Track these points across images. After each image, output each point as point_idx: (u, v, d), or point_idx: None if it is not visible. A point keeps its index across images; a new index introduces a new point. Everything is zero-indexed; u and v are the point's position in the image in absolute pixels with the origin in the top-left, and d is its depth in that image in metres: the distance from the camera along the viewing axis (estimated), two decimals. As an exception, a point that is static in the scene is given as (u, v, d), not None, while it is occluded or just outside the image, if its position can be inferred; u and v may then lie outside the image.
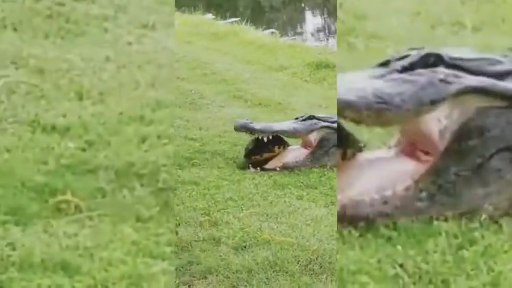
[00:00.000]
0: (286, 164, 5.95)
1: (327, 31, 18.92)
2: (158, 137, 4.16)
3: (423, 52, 3.34)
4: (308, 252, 4.10)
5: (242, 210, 4.80)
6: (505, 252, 3.15)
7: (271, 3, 23.03)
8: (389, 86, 3.13)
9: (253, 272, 3.87)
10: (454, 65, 3.31)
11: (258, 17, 19.74)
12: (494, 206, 3.34)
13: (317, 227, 4.54)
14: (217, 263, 3.95)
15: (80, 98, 4.47)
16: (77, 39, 5.30)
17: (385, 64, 3.44)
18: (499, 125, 3.27)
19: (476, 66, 3.34)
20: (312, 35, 18.17)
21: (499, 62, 3.39)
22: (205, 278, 3.81)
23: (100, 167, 3.87)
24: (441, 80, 3.20)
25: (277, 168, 5.89)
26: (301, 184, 5.50)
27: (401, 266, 3.03)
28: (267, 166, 5.91)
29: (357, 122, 3.07)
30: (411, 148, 3.54)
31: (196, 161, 5.77)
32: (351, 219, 3.22)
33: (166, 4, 5.86)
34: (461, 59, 3.35)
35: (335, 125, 6.01)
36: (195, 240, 4.16)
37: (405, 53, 3.43)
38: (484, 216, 3.34)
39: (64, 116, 4.27)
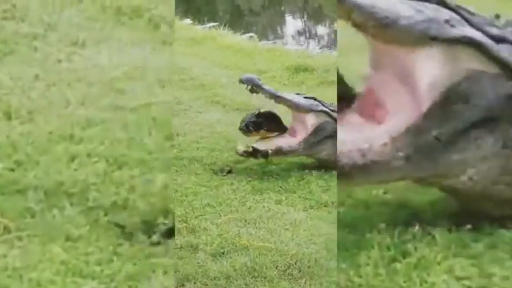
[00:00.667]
0: (279, 148, 5.87)
1: (307, 34, 18.97)
2: (88, 155, 4.14)
3: None
4: (287, 257, 4.09)
5: (220, 216, 4.78)
6: (438, 263, 3.17)
7: (251, 7, 23.04)
8: (400, 6, 3.08)
9: (231, 278, 3.86)
10: (457, 11, 3.28)
11: (237, 21, 19.72)
12: (468, 176, 3.31)
13: (296, 232, 4.53)
14: (195, 270, 3.93)
15: (9, 118, 4.42)
16: (6, 58, 5.24)
17: None
18: (485, 93, 3.23)
19: (477, 22, 3.30)
20: (293, 38, 18.19)
21: (496, 26, 3.37)
22: (183, 285, 3.79)
23: (29, 187, 3.84)
24: (446, 21, 3.16)
25: (270, 151, 5.83)
26: (280, 188, 5.48)
27: (334, 280, 3.05)
28: (260, 147, 5.84)
29: (360, 28, 3.01)
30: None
31: (174, 167, 5.72)
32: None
33: (97, 21, 5.85)
34: (464, 9, 3.32)
35: (335, 114, 5.96)
36: (173, 248, 4.11)
37: None
38: (416, 227, 3.35)
39: None
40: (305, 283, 3.83)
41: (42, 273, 3.26)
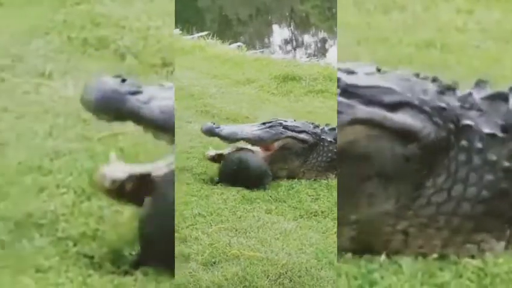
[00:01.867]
0: None
1: (294, 43, 19.05)
2: (57, 186, 4.21)
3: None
4: (278, 267, 4.12)
5: (211, 225, 4.80)
6: None
7: (239, 17, 23.10)
8: None
9: (223, 287, 3.88)
10: (348, 92, 3.38)
11: (225, 30, 19.78)
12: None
13: (286, 241, 4.56)
14: (186, 280, 3.95)
15: None
16: None
17: None
18: (381, 152, 3.37)
19: (370, 95, 3.40)
20: (280, 47, 18.27)
21: (394, 92, 3.44)
22: (175, 295, 3.80)
23: None
24: (337, 112, 3.32)
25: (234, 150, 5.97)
26: (270, 198, 5.51)
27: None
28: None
29: None
30: None
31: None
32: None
33: (63, 52, 5.89)
34: (355, 86, 3.40)
35: (301, 135, 6.09)
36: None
37: None
38: (383, 257, 3.42)
39: None
40: (296, 292, 3.87)
41: None
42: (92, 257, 3.72)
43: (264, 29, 21.88)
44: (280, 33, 20.80)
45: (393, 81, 3.48)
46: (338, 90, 3.37)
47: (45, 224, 3.89)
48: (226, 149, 6.04)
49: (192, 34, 16.06)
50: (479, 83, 3.70)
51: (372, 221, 3.42)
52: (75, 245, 3.77)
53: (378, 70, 3.60)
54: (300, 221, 5.01)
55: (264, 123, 6.23)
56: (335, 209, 5.19)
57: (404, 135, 3.37)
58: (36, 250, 3.72)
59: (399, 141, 3.37)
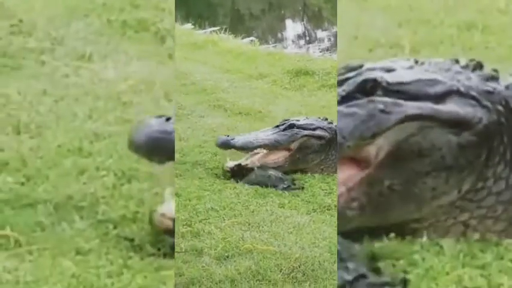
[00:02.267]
0: (265, 164, 5.93)
1: (307, 38, 18.99)
2: (97, 168, 4.19)
3: (360, 79, 3.32)
4: (291, 261, 4.11)
5: (224, 220, 4.80)
6: (447, 273, 3.18)
7: (251, 11, 23.07)
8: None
9: (236, 282, 3.88)
10: (392, 90, 3.31)
11: (237, 25, 19.76)
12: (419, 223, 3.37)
13: (299, 235, 4.55)
14: (199, 274, 3.95)
15: (18, 132, 4.49)
16: (14, 73, 5.30)
17: None
18: (436, 144, 3.29)
19: (415, 89, 3.34)
20: (293, 42, 18.22)
21: (438, 82, 3.39)
22: (188, 289, 3.81)
23: (38, 201, 3.89)
24: (381, 111, 3.22)
25: (255, 168, 5.86)
26: (283, 192, 5.50)
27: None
28: (246, 163, 5.88)
29: None
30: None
31: (177, 172, 5.75)
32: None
33: (103, 35, 5.89)
34: (399, 84, 3.33)
35: (316, 132, 6.07)
36: (177, 252, 4.14)
37: (343, 76, 3.41)
38: (424, 238, 3.37)
39: (2, 150, 4.28)
40: (309, 286, 3.85)
41: (53, 286, 3.30)
42: (132, 240, 3.71)
43: (277, 23, 21.83)
44: (293, 27, 20.74)
45: (434, 71, 3.42)
46: (379, 92, 3.29)
47: (85, 207, 3.87)
48: (244, 159, 5.97)
49: (205, 29, 16.05)
50: None
51: (435, 214, 3.36)
52: (115, 227, 3.76)
53: (416, 62, 3.55)
54: (314, 215, 4.99)
55: (277, 126, 6.22)
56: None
57: (457, 124, 3.30)
58: (76, 233, 3.71)
59: (452, 131, 3.32)
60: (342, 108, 3.24)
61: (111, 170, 4.20)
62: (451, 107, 3.34)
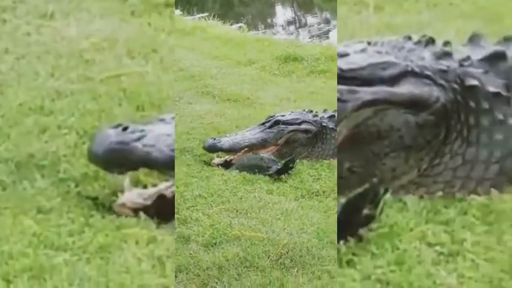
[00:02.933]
0: None
1: (297, 24, 18.92)
2: (59, 127, 4.16)
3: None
4: (279, 247, 4.10)
5: (212, 207, 4.78)
6: (411, 230, 3.21)
7: (240, -3, 22.95)
8: None
9: (223, 268, 3.86)
10: (347, 77, 3.34)
11: (227, 11, 19.65)
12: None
13: (287, 221, 4.54)
14: (187, 261, 3.93)
15: None
16: None
17: None
18: (394, 125, 3.33)
19: (369, 74, 3.37)
20: (283, 28, 18.14)
21: (391, 65, 3.41)
22: (176, 276, 3.78)
23: (0, 160, 3.86)
24: (337, 100, 3.27)
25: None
26: (271, 178, 5.48)
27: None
28: (233, 159, 5.85)
29: None
30: None
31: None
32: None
33: None
34: (352, 70, 3.36)
35: (302, 126, 6.07)
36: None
37: None
38: (388, 195, 3.36)
39: None
40: (297, 272, 3.84)
41: (14, 245, 3.28)
42: (94, 198, 3.71)
43: (267, 9, 21.73)
44: (283, 13, 20.65)
45: (387, 52, 3.43)
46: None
47: (46, 165, 3.86)
48: (230, 155, 5.92)
49: (193, 15, 15.95)
50: (474, 38, 3.68)
51: (396, 192, 3.42)
52: (77, 186, 3.76)
53: (369, 43, 3.56)
54: (302, 201, 4.98)
55: (263, 124, 6.20)
56: (336, 189, 5.17)
57: (413, 104, 3.34)
58: (38, 191, 3.71)
59: (410, 111, 3.34)
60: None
61: (73, 128, 4.18)
62: (406, 88, 3.37)
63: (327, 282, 3.70)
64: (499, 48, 3.63)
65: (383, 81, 3.35)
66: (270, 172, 5.51)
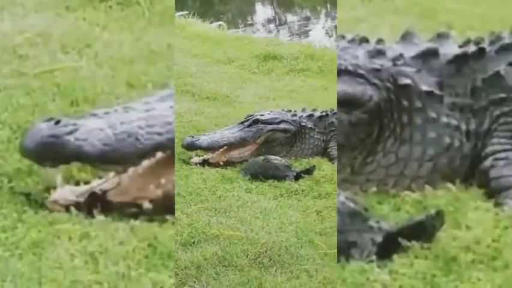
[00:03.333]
0: (230, 159, 5.92)
1: (277, 22, 18.92)
2: None
3: None
4: (257, 246, 4.10)
5: (190, 205, 4.76)
6: None
7: (220, -4, 22.88)
8: None
9: (202, 267, 3.85)
10: None
11: (207, 9, 19.58)
12: None
13: (266, 220, 4.54)
14: (165, 261, 3.90)
15: None
16: None
17: None
18: None
19: None
20: (263, 26, 18.13)
21: None
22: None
23: None
24: None
25: (221, 163, 5.84)
26: (250, 177, 5.47)
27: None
28: (211, 160, 5.85)
29: None
30: None
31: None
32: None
33: None
34: None
35: (281, 125, 6.07)
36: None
37: None
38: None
39: None
40: (276, 271, 3.84)
41: None
42: (27, 194, 3.67)
43: (247, 7, 21.70)
44: (263, 11, 20.64)
45: None
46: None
47: None
48: (209, 154, 5.92)
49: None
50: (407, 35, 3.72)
51: None
52: (10, 181, 3.72)
53: None
54: (280, 200, 4.98)
55: (242, 123, 6.20)
56: (315, 188, 5.18)
57: (346, 102, 3.36)
58: None
59: (343, 110, 3.38)
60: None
61: (6, 123, 4.14)
62: (340, 87, 3.39)
63: (305, 282, 3.70)
64: (431, 45, 3.68)
65: None
66: (287, 180, 5.43)
